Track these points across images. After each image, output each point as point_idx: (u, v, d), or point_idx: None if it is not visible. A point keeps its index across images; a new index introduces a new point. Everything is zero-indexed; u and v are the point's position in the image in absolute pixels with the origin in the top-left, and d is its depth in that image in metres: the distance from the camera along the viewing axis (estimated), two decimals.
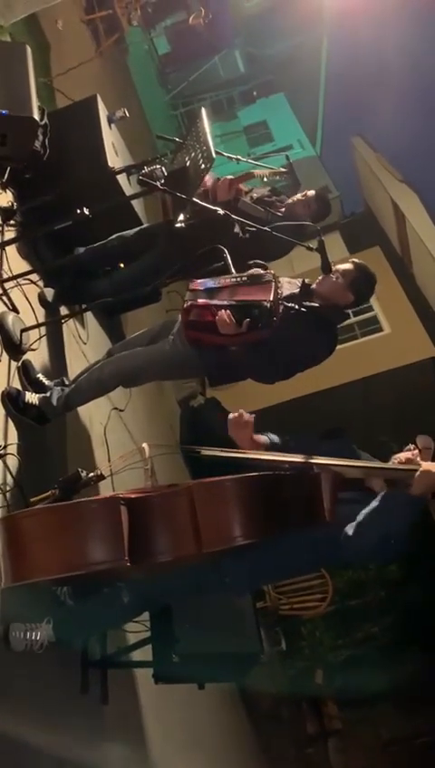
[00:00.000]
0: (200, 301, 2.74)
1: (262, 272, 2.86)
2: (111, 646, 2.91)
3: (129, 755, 2.95)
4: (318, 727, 7.16)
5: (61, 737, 2.34)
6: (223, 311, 2.67)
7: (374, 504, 2.18)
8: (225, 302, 2.69)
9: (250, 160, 3.89)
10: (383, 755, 6.88)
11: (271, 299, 2.66)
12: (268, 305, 2.62)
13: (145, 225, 3.83)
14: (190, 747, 3.93)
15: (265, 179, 3.76)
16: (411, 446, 2.30)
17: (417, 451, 2.26)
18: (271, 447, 2.45)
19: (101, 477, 2.26)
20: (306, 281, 3.00)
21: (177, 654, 2.65)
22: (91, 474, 2.25)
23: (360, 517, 2.18)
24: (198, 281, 2.83)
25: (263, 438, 2.45)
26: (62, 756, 2.34)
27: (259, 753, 5.87)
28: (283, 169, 3.84)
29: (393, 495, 2.17)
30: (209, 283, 2.79)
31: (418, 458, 2.24)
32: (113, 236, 3.73)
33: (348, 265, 2.91)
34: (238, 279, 2.77)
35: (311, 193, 3.61)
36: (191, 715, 4.07)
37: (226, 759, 4.73)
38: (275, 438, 2.51)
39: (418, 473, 2.12)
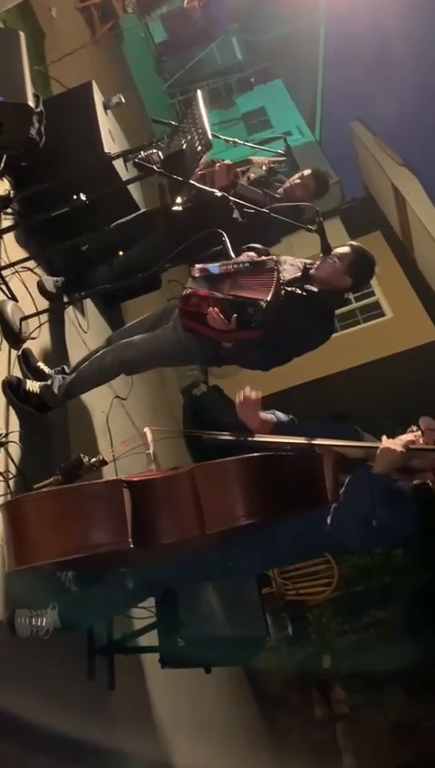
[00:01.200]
0: (201, 292, 2.72)
1: (264, 258, 2.84)
2: (118, 631, 2.92)
3: (136, 740, 2.96)
4: (326, 712, 7.19)
5: (68, 723, 2.35)
6: (213, 308, 2.65)
7: (342, 488, 2.19)
8: (222, 296, 2.66)
9: (247, 143, 3.86)
10: (391, 739, 6.91)
11: (269, 296, 2.62)
12: (263, 305, 2.58)
13: (142, 211, 3.81)
14: (198, 731, 3.95)
15: (264, 167, 3.73)
16: (414, 428, 2.30)
17: (420, 432, 2.25)
18: (277, 425, 2.45)
19: (104, 463, 2.27)
20: (308, 263, 2.99)
21: (183, 638, 2.66)
22: (94, 459, 2.25)
23: (333, 504, 2.19)
24: (199, 265, 2.81)
25: (269, 416, 2.45)
26: (70, 742, 2.35)
27: (267, 737, 5.91)
28: (280, 152, 3.82)
29: (356, 478, 2.17)
30: (213, 268, 2.76)
31: (420, 440, 2.24)
32: (111, 225, 3.72)
33: (345, 249, 2.89)
34: (240, 265, 2.75)
35: (307, 172, 3.59)
36: (198, 700, 4.09)
37: (233, 743, 4.76)
38: (282, 416, 2.51)
39: (378, 450, 2.13)
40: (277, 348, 2.83)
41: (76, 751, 2.42)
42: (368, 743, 6.94)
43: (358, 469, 2.21)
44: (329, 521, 2.17)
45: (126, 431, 4.11)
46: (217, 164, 3.58)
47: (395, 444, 2.16)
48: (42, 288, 3.41)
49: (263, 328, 2.62)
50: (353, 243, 2.98)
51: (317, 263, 2.93)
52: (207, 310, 2.65)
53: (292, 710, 6.80)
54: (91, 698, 2.70)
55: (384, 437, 2.23)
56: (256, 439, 2.32)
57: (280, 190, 3.59)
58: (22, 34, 3.31)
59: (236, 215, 3.09)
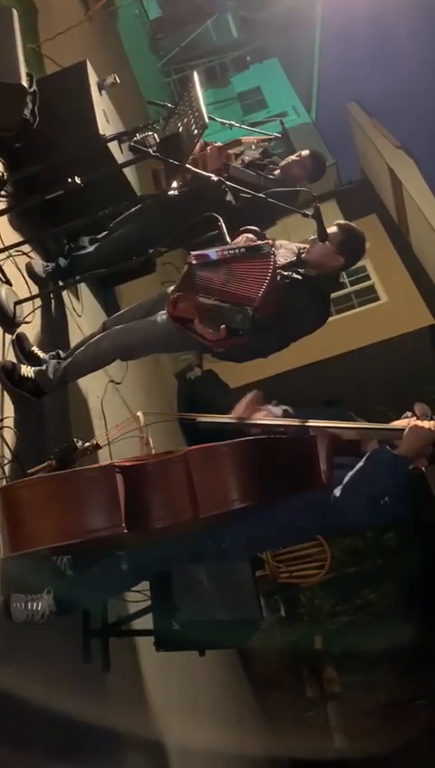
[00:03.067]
0: (188, 297, 2.68)
1: (260, 242, 2.83)
2: (113, 615, 2.94)
3: (130, 721, 3.00)
4: (318, 691, 7.30)
5: (63, 706, 2.37)
6: (201, 326, 2.64)
7: (360, 464, 2.18)
8: (210, 303, 2.63)
9: (244, 126, 3.83)
10: (382, 718, 7.02)
11: (261, 292, 2.59)
12: (250, 312, 2.54)
13: (139, 196, 3.79)
14: (192, 713, 4.00)
15: (254, 146, 3.70)
16: (409, 414, 2.31)
17: (414, 418, 2.26)
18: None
19: (98, 447, 2.26)
20: (301, 248, 2.98)
21: (177, 622, 2.68)
22: (87, 444, 2.25)
23: (347, 478, 2.18)
24: (196, 252, 2.79)
25: (262, 412, 2.45)
26: (65, 724, 2.38)
27: (259, 717, 5.99)
28: (272, 135, 3.78)
29: (378, 454, 2.16)
30: (211, 254, 2.73)
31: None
32: (112, 225, 3.71)
33: (333, 228, 2.90)
34: (236, 251, 2.73)
35: (305, 152, 3.57)
36: (192, 682, 4.13)
37: (227, 723, 4.83)
38: (276, 410, 2.51)
39: (407, 429, 2.13)
40: (274, 335, 2.82)
41: (72, 732, 2.45)
42: (359, 722, 7.05)
43: (377, 448, 2.19)
44: (338, 494, 2.16)
45: (121, 415, 4.11)
46: (209, 147, 3.54)
47: (424, 423, 2.15)
48: (31, 272, 3.38)
49: (252, 332, 2.61)
50: (340, 221, 2.98)
51: (307, 246, 2.93)
52: (195, 316, 2.64)
53: (284, 690, 6.90)
54: (87, 681, 2.72)
55: (409, 419, 2.22)
56: (250, 422, 2.32)
57: (275, 171, 3.56)
58: (15, 12, 3.25)
59: (229, 197, 3.07)
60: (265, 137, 3.74)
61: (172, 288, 2.89)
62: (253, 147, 3.70)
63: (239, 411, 2.39)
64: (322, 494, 2.22)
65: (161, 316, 2.96)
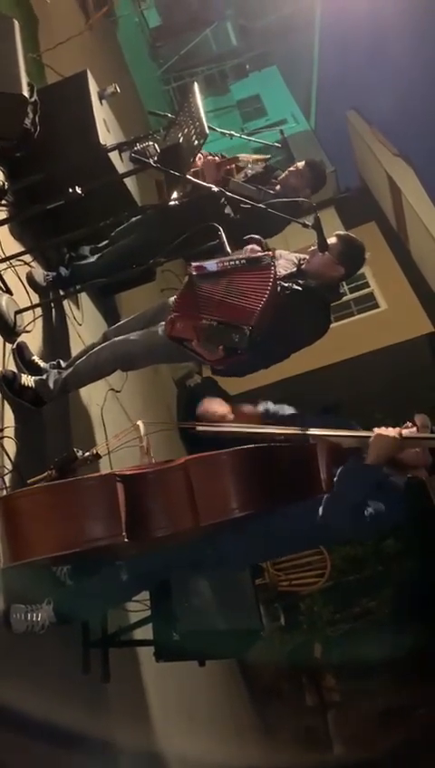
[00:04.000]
0: (185, 316, 2.68)
1: (261, 253, 2.83)
2: (112, 625, 2.93)
3: (130, 731, 2.98)
4: (317, 700, 7.28)
5: (63, 717, 2.36)
6: (200, 347, 2.65)
7: (335, 478, 2.20)
8: (206, 323, 2.62)
9: (244, 136, 3.84)
10: (381, 726, 7.00)
11: (260, 305, 2.58)
12: (248, 331, 2.54)
13: (140, 206, 3.80)
14: (191, 723, 3.99)
15: (250, 166, 3.70)
16: (409, 424, 2.31)
17: (414, 429, 2.26)
18: (265, 416, 2.46)
19: (98, 456, 2.27)
20: (301, 258, 2.99)
21: (177, 632, 2.68)
22: (88, 453, 2.25)
23: (325, 495, 2.20)
24: (196, 263, 2.79)
25: (250, 408, 2.46)
26: (65, 735, 2.37)
27: (259, 725, 5.96)
28: (268, 156, 3.79)
29: (348, 468, 2.19)
30: (211, 266, 2.74)
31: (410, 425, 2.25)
32: (114, 234, 3.72)
33: (332, 239, 2.91)
34: (237, 262, 2.74)
35: (301, 163, 3.57)
36: (192, 691, 4.12)
37: (226, 733, 4.81)
38: (277, 409, 2.52)
39: (371, 438, 2.14)
40: (274, 347, 2.83)
41: (71, 742, 2.44)
42: (358, 730, 7.02)
43: (349, 461, 2.22)
44: (320, 510, 2.19)
45: (121, 423, 4.11)
46: (205, 159, 3.56)
47: (389, 431, 2.17)
48: (31, 281, 3.39)
49: (251, 350, 2.60)
50: (340, 232, 2.99)
51: (308, 257, 2.94)
52: (193, 336, 2.65)
53: (283, 698, 6.87)
54: (86, 691, 2.71)
55: (409, 429, 2.24)
56: (250, 430, 2.32)
57: (277, 186, 3.57)
58: (16, 23, 3.26)
59: (228, 210, 3.08)
60: (261, 156, 3.74)
61: (173, 298, 2.90)
62: (249, 165, 3.70)
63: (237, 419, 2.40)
64: (319, 503, 2.23)
65: (162, 327, 2.96)
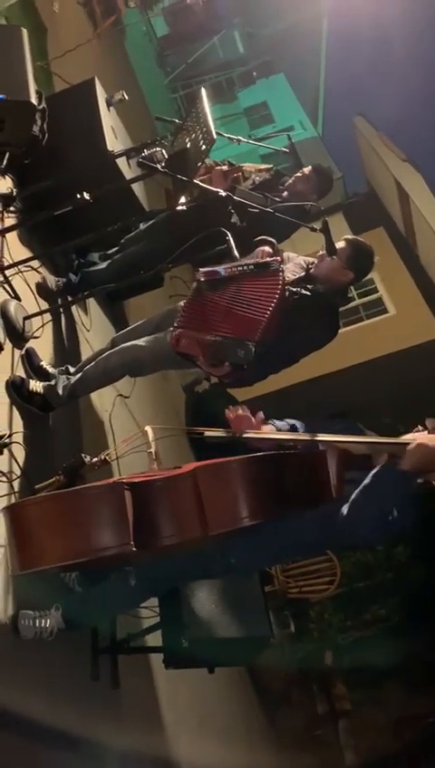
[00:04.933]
0: (190, 333, 2.69)
1: (269, 259, 2.83)
2: (121, 632, 2.92)
3: (140, 738, 2.96)
4: (328, 708, 7.21)
5: (72, 723, 2.35)
6: (205, 364, 2.66)
7: (366, 481, 2.15)
8: (211, 339, 2.63)
9: (251, 141, 3.84)
10: (393, 735, 6.93)
11: (266, 315, 2.58)
12: (253, 347, 2.54)
13: (148, 211, 3.81)
14: (201, 730, 3.96)
15: (254, 175, 3.71)
16: (420, 428, 2.28)
17: (425, 432, 2.24)
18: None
19: (106, 462, 2.26)
20: (310, 262, 2.98)
21: (186, 639, 2.66)
22: (95, 459, 2.24)
23: (353, 496, 2.16)
24: (205, 269, 2.80)
25: (267, 428, 2.44)
26: (74, 742, 2.36)
27: (269, 733, 5.92)
28: (270, 165, 3.79)
29: (384, 471, 2.14)
30: (220, 271, 2.74)
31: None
32: (123, 241, 3.73)
33: (341, 243, 2.91)
34: (245, 267, 2.74)
35: (307, 169, 3.58)
36: (202, 698, 4.09)
37: (236, 740, 4.77)
38: (280, 424, 2.49)
39: (410, 446, 2.09)
40: (283, 352, 2.82)
41: (81, 748, 2.42)
42: (370, 738, 6.95)
43: (384, 465, 2.17)
44: (345, 512, 2.15)
45: (129, 429, 4.11)
46: (214, 169, 3.57)
47: (431, 439, 2.11)
48: (42, 288, 3.40)
49: (256, 362, 2.60)
50: (348, 236, 2.99)
51: (316, 261, 2.93)
52: (198, 352, 2.65)
53: (294, 707, 6.82)
54: (95, 698, 2.70)
55: (417, 433, 2.19)
56: (258, 437, 2.30)
57: (284, 192, 3.57)
58: (25, 31, 3.29)
59: (235, 219, 3.08)
60: (266, 166, 3.75)
61: (182, 303, 2.89)
62: (253, 174, 3.71)
63: (238, 426, 2.38)
64: (330, 509, 2.20)
65: (170, 333, 2.96)
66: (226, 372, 2.65)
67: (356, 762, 6.69)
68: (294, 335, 2.76)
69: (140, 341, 3.02)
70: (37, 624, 2.27)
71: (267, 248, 2.94)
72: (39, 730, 2.18)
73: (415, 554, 7.67)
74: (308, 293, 2.78)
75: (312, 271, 2.94)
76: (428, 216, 9.43)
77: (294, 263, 2.96)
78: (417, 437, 2.14)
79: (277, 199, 3.48)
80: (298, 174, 3.58)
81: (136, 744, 2.90)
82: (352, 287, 3.12)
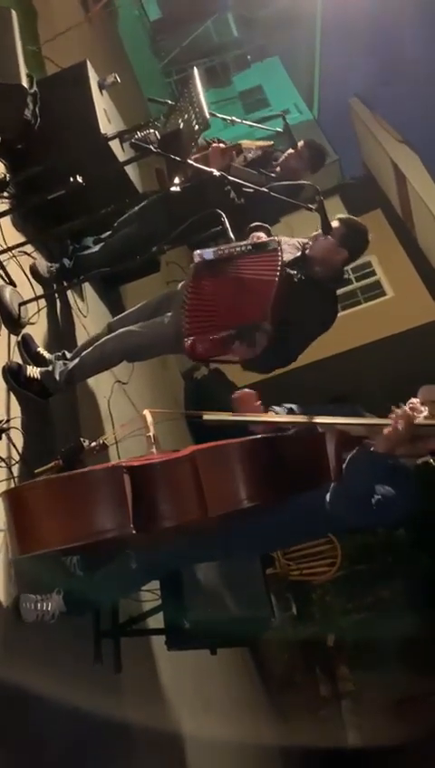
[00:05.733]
0: (205, 339, 2.72)
1: (265, 238, 2.82)
2: (123, 615, 2.93)
3: (144, 721, 2.99)
4: (331, 689, 7.28)
5: (75, 706, 2.36)
6: (239, 345, 2.67)
7: (344, 464, 2.16)
8: (225, 334, 2.66)
9: (245, 122, 3.81)
10: (395, 715, 6.99)
11: (272, 293, 2.61)
12: (268, 326, 2.61)
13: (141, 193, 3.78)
14: (204, 711, 3.99)
15: (253, 153, 3.67)
16: (413, 400, 2.28)
17: (420, 403, 2.23)
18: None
19: (104, 447, 2.26)
20: (305, 244, 2.97)
21: (188, 620, 2.67)
22: (94, 443, 2.24)
23: (333, 483, 2.18)
24: (200, 251, 2.79)
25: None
26: (78, 725, 2.37)
27: (273, 715, 5.97)
28: (271, 143, 3.75)
29: (356, 457, 2.14)
30: (207, 254, 2.73)
31: (422, 408, 2.21)
32: (116, 224, 3.71)
33: (334, 222, 2.90)
34: (243, 248, 2.74)
35: (300, 143, 3.55)
36: (205, 681, 4.12)
37: (240, 722, 4.81)
38: (281, 410, 2.49)
39: (384, 430, 2.09)
40: (295, 340, 2.83)
41: (85, 732, 2.44)
42: (372, 719, 7.02)
43: (355, 450, 2.19)
44: (328, 499, 2.16)
45: (128, 415, 4.10)
46: (211, 146, 3.53)
47: (397, 422, 2.12)
48: (35, 273, 3.38)
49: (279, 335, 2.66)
50: (341, 215, 2.97)
51: (310, 242, 2.92)
52: (220, 350, 2.69)
53: (297, 688, 6.88)
54: (98, 681, 2.71)
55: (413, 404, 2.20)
56: (257, 420, 2.30)
57: (277, 168, 3.54)
58: (14, 13, 3.25)
59: (233, 195, 3.06)
60: (265, 143, 3.70)
61: (181, 285, 2.88)
62: (251, 152, 3.67)
63: (242, 407, 2.38)
64: (319, 494, 2.21)
65: (167, 319, 2.95)
66: (257, 353, 2.67)
67: (359, 741, 6.76)
68: (301, 321, 2.78)
69: (137, 326, 3.01)
70: (39, 607, 2.28)
71: (262, 234, 2.93)
72: (42, 713, 2.19)
73: (417, 538, 7.70)
74: (306, 278, 2.77)
75: (307, 252, 2.92)
76: (425, 197, 9.38)
77: (289, 244, 2.95)
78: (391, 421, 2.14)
79: (272, 175, 3.45)
80: (291, 150, 3.56)
81: (139, 726, 2.93)
82: (349, 270, 3.11)
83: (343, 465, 2.17)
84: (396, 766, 6.22)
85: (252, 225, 2.96)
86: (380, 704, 7.15)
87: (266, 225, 2.99)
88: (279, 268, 2.66)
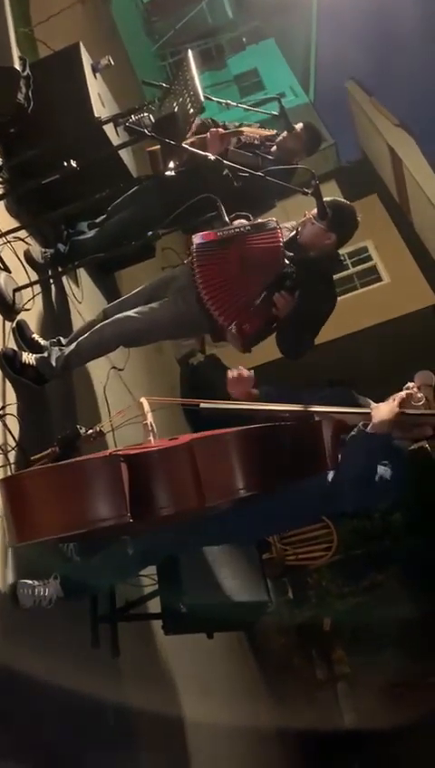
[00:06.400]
0: (249, 322, 2.76)
1: (263, 220, 2.83)
2: (120, 599, 2.95)
3: (141, 705, 3.01)
4: (327, 672, 7.35)
5: (73, 691, 2.38)
6: (279, 298, 2.70)
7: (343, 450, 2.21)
8: (258, 303, 2.72)
9: (241, 105, 3.77)
10: (393, 697, 7.07)
11: (281, 245, 2.71)
12: (292, 271, 2.71)
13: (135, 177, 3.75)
14: (202, 695, 4.03)
15: (256, 141, 3.63)
16: (411, 384, 2.29)
17: (416, 388, 2.25)
18: (264, 395, 2.45)
19: (101, 434, 2.26)
20: (297, 226, 2.96)
21: (185, 605, 2.69)
22: (91, 430, 2.24)
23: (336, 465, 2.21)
24: (199, 234, 2.79)
25: (255, 392, 2.45)
26: (76, 709, 2.39)
27: (269, 698, 6.03)
28: (273, 131, 3.71)
29: (354, 438, 2.19)
30: (217, 234, 2.76)
31: (418, 395, 2.23)
32: (110, 209, 3.68)
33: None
34: (241, 229, 2.74)
35: (299, 126, 3.52)
36: (202, 665, 4.15)
37: (237, 705, 4.85)
38: (271, 391, 2.50)
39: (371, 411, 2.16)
40: (309, 327, 2.87)
41: (84, 716, 2.46)
42: (368, 702, 7.09)
43: (357, 428, 2.22)
44: (330, 480, 2.20)
45: (124, 401, 4.10)
46: (210, 131, 3.50)
47: (387, 406, 2.18)
48: (29, 258, 3.36)
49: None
50: (327, 198, 2.90)
51: (299, 228, 2.91)
52: (263, 319, 2.73)
53: (294, 672, 6.94)
54: (96, 666, 2.73)
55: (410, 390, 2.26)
56: (254, 408, 2.30)
57: (272, 149, 3.52)
58: None
59: (231, 176, 3.04)
60: (268, 132, 3.66)
61: (178, 268, 2.88)
62: (256, 141, 3.63)
63: (235, 387, 2.39)
64: (324, 478, 2.23)
65: (166, 304, 2.94)
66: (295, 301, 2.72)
67: (356, 723, 6.84)
68: (311, 308, 2.80)
69: (134, 312, 2.99)
70: (36, 593, 2.29)
71: (243, 221, 2.92)
72: (41, 698, 2.21)
73: (412, 522, 7.75)
74: (303, 259, 2.77)
75: (298, 239, 2.91)
76: (421, 181, 9.33)
77: (285, 227, 2.94)
78: (373, 405, 2.22)
79: (269, 157, 3.43)
80: (288, 132, 3.52)
81: (138, 710, 2.95)
82: (345, 255, 3.10)
83: (347, 441, 2.20)
84: (392, 748, 6.29)
85: (233, 215, 2.94)
86: (376, 687, 7.23)
87: (247, 214, 2.97)
88: (282, 241, 2.70)
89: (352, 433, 2.21)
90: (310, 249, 2.87)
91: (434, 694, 6.87)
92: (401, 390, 2.27)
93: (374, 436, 2.15)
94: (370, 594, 7.68)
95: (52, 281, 3.56)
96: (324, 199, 2.84)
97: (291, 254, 2.80)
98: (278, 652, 6.73)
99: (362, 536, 7.69)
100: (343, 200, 2.95)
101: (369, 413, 2.21)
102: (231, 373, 2.42)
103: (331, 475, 2.20)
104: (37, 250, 3.43)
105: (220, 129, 3.51)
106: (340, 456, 2.21)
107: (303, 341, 2.93)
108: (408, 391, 2.23)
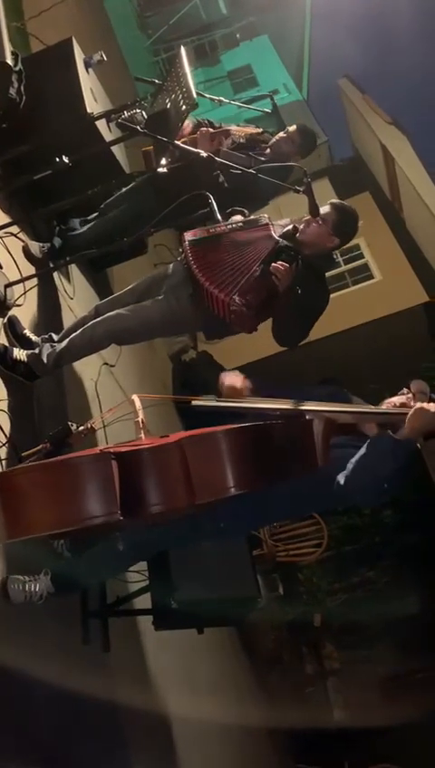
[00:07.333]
0: (246, 305, 2.74)
1: (254, 216, 2.84)
2: (111, 595, 2.95)
3: (132, 700, 3.02)
4: (317, 668, 7.40)
5: (63, 686, 2.39)
6: (277, 266, 2.70)
7: (362, 450, 2.19)
8: (256, 277, 2.72)
9: (233, 102, 3.77)
10: (380, 693, 7.12)
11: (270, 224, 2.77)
12: (285, 243, 2.75)
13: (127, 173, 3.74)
14: (192, 690, 4.04)
15: (243, 139, 3.64)
16: (405, 391, 2.30)
17: (411, 395, 2.26)
18: (253, 389, 2.46)
19: (92, 431, 2.25)
20: (296, 227, 2.96)
21: (175, 600, 2.70)
22: (82, 427, 2.24)
23: (350, 465, 2.20)
24: (191, 231, 2.79)
25: (249, 385, 2.45)
26: (65, 705, 2.40)
27: (260, 693, 6.06)
28: (259, 130, 3.71)
29: (379, 440, 2.16)
30: (210, 230, 2.77)
31: (412, 402, 2.24)
32: (103, 206, 3.68)
33: (326, 208, 2.89)
34: (233, 225, 2.74)
35: (292, 128, 3.53)
36: (192, 661, 4.17)
37: (227, 701, 4.88)
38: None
39: (411, 411, 2.11)
40: (302, 323, 2.87)
41: (73, 712, 2.47)
42: (358, 697, 7.14)
43: (379, 434, 2.20)
44: (342, 481, 2.20)
45: (115, 397, 4.10)
46: (199, 131, 3.50)
47: (430, 406, 2.11)
48: (28, 253, 3.35)
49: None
50: (334, 201, 2.95)
51: (302, 226, 2.91)
52: (263, 293, 2.72)
53: (284, 667, 6.97)
54: (87, 661, 2.74)
55: (406, 396, 2.25)
56: (245, 406, 2.31)
57: (267, 150, 3.52)
58: None
59: (221, 178, 3.04)
60: (255, 130, 3.66)
61: (171, 265, 2.88)
62: (242, 139, 3.63)
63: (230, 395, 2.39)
64: (324, 476, 2.23)
65: (158, 302, 2.93)
66: (293, 271, 2.74)
67: (345, 717, 6.88)
68: (303, 304, 2.80)
69: (126, 310, 2.99)
70: (27, 588, 2.29)
71: (239, 217, 2.93)
72: (30, 694, 2.21)
73: (404, 518, 7.79)
74: (299, 255, 2.78)
75: (298, 236, 2.91)
76: (413, 179, 9.35)
77: (278, 224, 2.95)
78: (418, 404, 2.15)
79: (262, 158, 3.43)
80: (283, 134, 3.53)
81: (127, 705, 2.96)
82: (337, 253, 3.11)
83: (365, 446, 2.19)
84: (381, 743, 6.34)
85: (229, 210, 2.95)
86: (365, 682, 7.28)
87: (244, 210, 2.98)
88: (273, 234, 2.73)
89: (373, 438, 2.19)
90: (308, 248, 2.87)
91: (424, 690, 6.92)
92: (395, 395, 2.28)
93: (404, 444, 2.12)
94: (360, 590, 7.73)
95: (44, 277, 3.55)
96: (331, 201, 2.88)
97: (285, 243, 2.81)
98: (268, 648, 6.76)
99: (352, 533, 7.73)
100: (348, 205, 2.95)
101: (398, 414, 2.16)
102: (228, 383, 2.42)
103: (342, 478, 2.19)
104: (35, 245, 3.42)
105: (210, 130, 3.51)
106: (357, 459, 2.19)
107: (301, 327, 2.94)
108: (407, 397, 2.24)
